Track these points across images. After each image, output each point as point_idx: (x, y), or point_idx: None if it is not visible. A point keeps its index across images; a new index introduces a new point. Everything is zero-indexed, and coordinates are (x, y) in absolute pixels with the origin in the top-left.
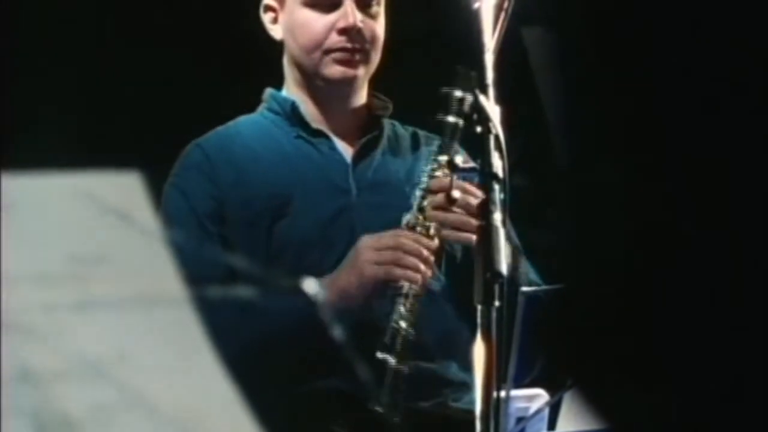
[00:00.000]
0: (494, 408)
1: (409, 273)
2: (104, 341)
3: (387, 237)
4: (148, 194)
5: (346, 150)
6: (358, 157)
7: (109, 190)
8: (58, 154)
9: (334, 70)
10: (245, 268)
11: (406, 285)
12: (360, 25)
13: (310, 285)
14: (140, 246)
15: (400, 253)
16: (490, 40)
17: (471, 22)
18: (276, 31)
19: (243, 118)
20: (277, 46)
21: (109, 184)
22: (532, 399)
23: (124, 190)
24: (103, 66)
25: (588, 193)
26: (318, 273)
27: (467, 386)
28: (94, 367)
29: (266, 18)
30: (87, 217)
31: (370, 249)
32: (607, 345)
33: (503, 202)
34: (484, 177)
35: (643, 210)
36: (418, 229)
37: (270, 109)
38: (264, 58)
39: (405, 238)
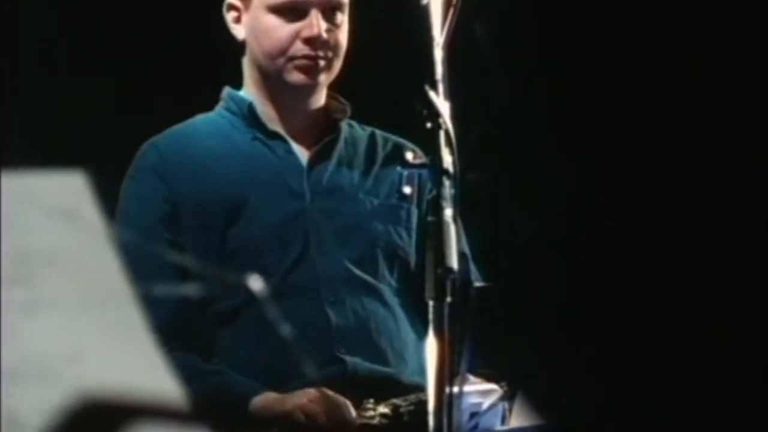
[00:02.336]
0: (447, 404)
1: None
2: (53, 341)
3: (333, 407)
4: (95, 194)
5: (302, 153)
6: (314, 162)
7: (56, 190)
8: (3, 153)
9: (296, 77)
10: (197, 268)
11: None
12: (324, 35)
13: (256, 283)
14: (88, 246)
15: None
16: (439, 35)
17: (420, 17)
18: (238, 31)
19: (200, 117)
20: (238, 46)
21: (55, 183)
22: (485, 394)
23: (70, 189)
24: (51, 62)
25: (536, 187)
26: (271, 278)
27: (421, 389)
28: (43, 367)
29: (229, 17)
30: (34, 217)
31: (311, 402)
32: (553, 341)
33: (454, 198)
34: (435, 172)
35: (592, 203)
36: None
37: (227, 109)
38: (223, 56)
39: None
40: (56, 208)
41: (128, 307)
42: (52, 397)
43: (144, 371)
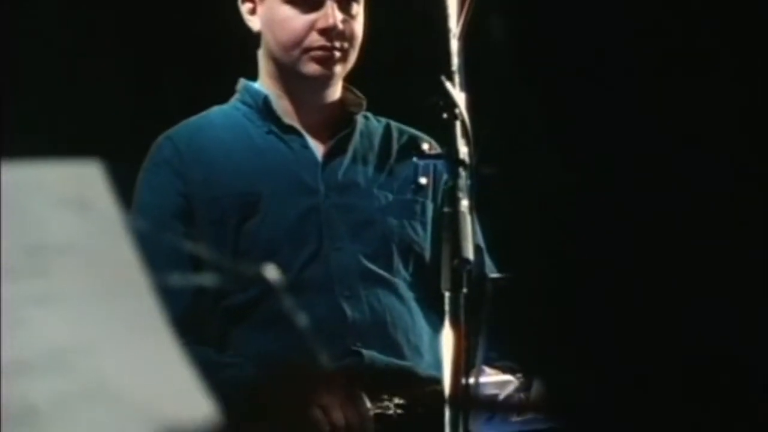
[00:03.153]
0: (463, 394)
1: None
2: (66, 333)
3: (348, 399)
4: (108, 184)
5: (317, 148)
6: (329, 157)
7: (68, 181)
8: (17, 144)
9: (312, 69)
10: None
11: None
12: (340, 25)
13: (271, 276)
14: (101, 237)
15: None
16: (455, 26)
17: (436, 7)
18: (254, 23)
19: (215, 109)
20: (254, 37)
21: (68, 174)
22: (501, 385)
23: (83, 180)
24: (66, 55)
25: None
26: (285, 273)
27: (437, 381)
28: (57, 359)
29: (244, 8)
30: (46, 208)
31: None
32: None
33: (470, 189)
34: (451, 163)
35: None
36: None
37: (243, 101)
38: (239, 48)
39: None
40: (69, 198)
41: (142, 298)
42: (67, 388)
43: (159, 363)
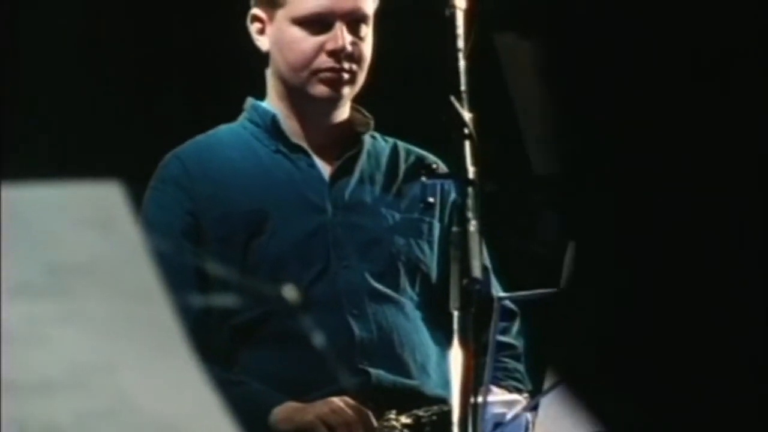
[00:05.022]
0: (472, 413)
1: None
2: (88, 352)
3: (355, 418)
4: (128, 204)
5: (324, 167)
6: (336, 176)
7: (89, 201)
8: (37, 165)
9: (320, 90)
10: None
11: None
12: (349, 47)
13: (279, 295)
14: (121, 256)
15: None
16: (464, 46)
17: (444, 28)
18: (262, 43)
19: (223, 128)
20: (262, 57)
21: (88, 194)
22: (509, 405)
23: (104, 200)
24: (80, 75)
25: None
26: (294, 291)
27: (443, 401)
28: (79, 378)
29: (253, 28)
30: (67, 228)
31: (333, 412)
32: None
33: (478, 209)
34: (460, 183)
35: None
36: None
37: (251, 120)
38: (247, 67)
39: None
40: (88, 219)
41: (163, 317)
42: (89, 407)
43: (179, 382)
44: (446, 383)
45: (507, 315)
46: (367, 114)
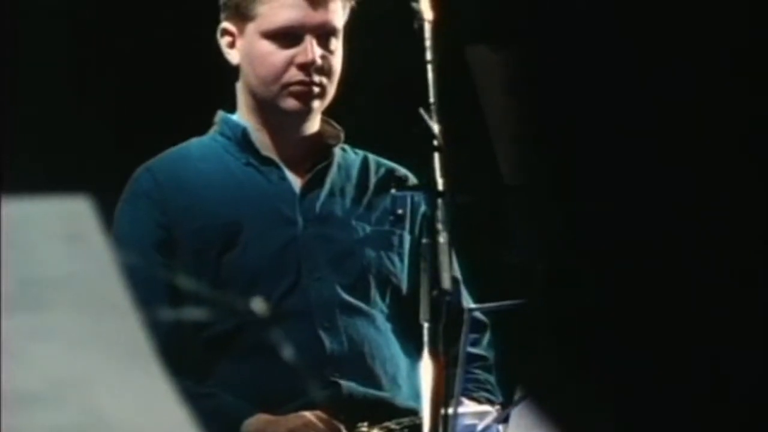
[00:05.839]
0: (442, 425)
1: None
2: (60, 366)
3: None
4: (100, 218)
5: (295, 180)
6: (307, 189)
7: (60, 215)
8: (8, 180)
9: (290, 104)
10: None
11: None
12: (319, 61)
13: (251, 308)
14: (93, 271)
15: None
16: (432, 58)
17: (413, 40)
18: (232, 56)
19: (194, 141)
20: (232, 70)
21: (59, 209)
22: (480, 416)
23: (75, 214)
24: (49, 89)
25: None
26: (266, 303)
27: (414, 413)
28: (51, 392)
29: (223, 42)
30: (39, 242)
31: (305, 425)
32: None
33: (448, 221)
34: (430, 195)
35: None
36: None
37: (221, 133)
38: (217, 81)
39: None
40: (59, 233)
41: (134, 332)
42: (60, 422)
43: (151, 396)
44: (417, 395)
45: (477, 326)
46: (337, 126)
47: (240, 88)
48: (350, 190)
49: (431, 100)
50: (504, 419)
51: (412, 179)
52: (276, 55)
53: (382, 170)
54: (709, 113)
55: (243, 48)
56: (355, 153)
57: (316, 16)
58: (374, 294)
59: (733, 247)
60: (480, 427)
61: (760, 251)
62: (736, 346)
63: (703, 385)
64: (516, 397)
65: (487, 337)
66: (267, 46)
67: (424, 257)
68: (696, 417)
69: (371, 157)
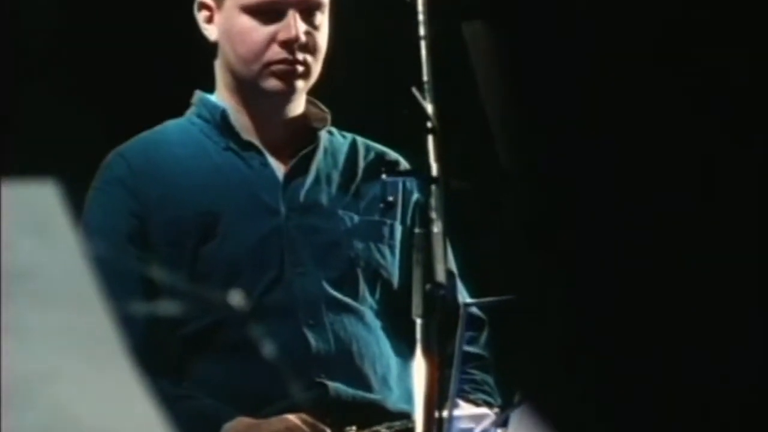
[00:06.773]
0: (437, 429)
1: None
2: (25, 363)
3: None
4: (68, 207)
5: (278, 166)
6: (290, 176)
7: (26, 204)
8: None
9: (273, 84)
10: (167, 287)
11: None
12: (303, 37)
13: (230, 303)
14: (61, 263)
15: None
16: (426, 34)
17: (405, 15)
18: (210, 32)
19: (170, 123)
20: (210, 47)
21: (24, 196)
22: (477, 419)
23: (41, 203)
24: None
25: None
26: (246, 299)
27: (406, 416)
28: (16, 390)
29: (200, 16)
30: (2, 232)
31: (288, 429)
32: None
33: (443, 208)
34: (423, 181)
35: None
36: None
37: (199, 115)
38: (194, 58)
39: None
40: (25, 223)
41: (104, 328)
42: (26, 420)
43: (120, 393)
44: (409, 397)
45: (474, 323)
46: (323, 108)
47: (219, 66)
48: (337, 177)
49: (425, 79)
50: (503, 423)
51: (404, 164)
52: (257, 31)
53: (372, 154)
54: (709, 108)
55: (221, 23)
56: (343, 136)
57: None
58: (363, 288)
59: (733, 247)
60: (477, 431)
61: (760, 251)
62: (736, 347)
63: (703, 385)
64: (515, 399)
65: (484, 335)
66: (247, 22)
67: (416, 248)
68: (696, 417)
69: (360, 140)
